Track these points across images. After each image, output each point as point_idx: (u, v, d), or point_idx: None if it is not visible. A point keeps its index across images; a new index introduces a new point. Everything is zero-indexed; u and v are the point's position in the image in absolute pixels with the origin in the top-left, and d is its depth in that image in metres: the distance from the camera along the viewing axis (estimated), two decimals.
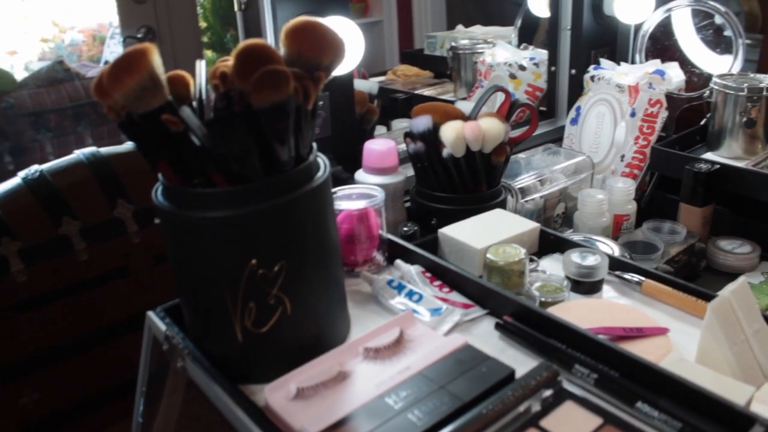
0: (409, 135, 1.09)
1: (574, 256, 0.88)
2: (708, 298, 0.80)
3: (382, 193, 0.84)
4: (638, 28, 1.53)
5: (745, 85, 1.27)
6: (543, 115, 1.57)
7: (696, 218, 1.20)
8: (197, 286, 0.66)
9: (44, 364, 1.19)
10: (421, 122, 1.06)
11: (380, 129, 1.56)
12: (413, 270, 0.81)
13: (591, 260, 0.87)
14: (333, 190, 0.85)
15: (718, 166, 1.20)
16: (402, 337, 0.69)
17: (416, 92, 1.83)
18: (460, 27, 2.06)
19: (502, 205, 1.11)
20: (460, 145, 1.03)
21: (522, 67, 1.56)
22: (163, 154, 0.61)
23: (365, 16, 2.69)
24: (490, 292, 0.75)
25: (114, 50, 2.89)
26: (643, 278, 0.87)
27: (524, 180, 1.22)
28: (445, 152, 1.04)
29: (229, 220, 0.61)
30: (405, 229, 1.04)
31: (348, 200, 0.83)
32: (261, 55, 0.57)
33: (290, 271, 0.64)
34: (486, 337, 0.72)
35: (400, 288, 0.77)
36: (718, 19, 1.47)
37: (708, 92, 1.34)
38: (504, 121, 1.07)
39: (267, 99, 0.56)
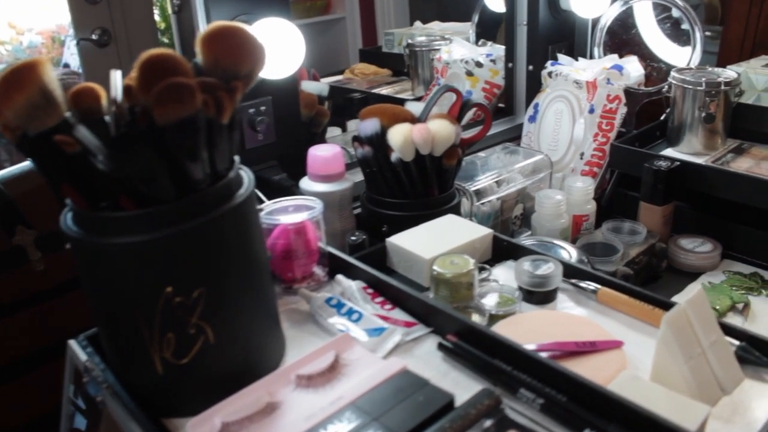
0: (356, 139, 1.05)
1: (527, 264, 0.84)
2: (665, 305, 0.77)
3: (321, 205, 0.79)
4: (596, 22, 1.49)
5: (703, 79, 1.24)
6: (501, 113, 1.53)
7: (656, 217, 1.17)
8: (112, 315, 0.61)
9: None
10: (369, 126, 1.02)
11: (335, 131, 1.51)
12: (354, 286, 0.77)
13: (544, 269, 0.83)
14: (268, 202, 0.80)
15: (678, 163, 1.16)
16: (337, 362, 0.64)
17: (373, 91, 1.78)
18: (418, 23, 2.01)
19: (456, 209, 1.06)
20: (408, 148, 0.98)
21: (479, 64, 1.52)
22: (64, 176, 0.55)
23: (327, 13, 2.63)
24: (433, 310, 0.71)
25: (74, 52, 2.81)
26: (598, 286, 0.83)
27: (480, 182, 1.18)
28: (394, 156, 1.00)
29: (140, 245, 0.56)
30: (353, 238, 1.00)
31: (284, 213, 0.78)
32: (165, 66, 0.52)
33: (211, 297, 0.59)
34: (428, 358, 0.68)
35: (339, 306, 0.73)
36: (675, 12, 1.43)
37: (666, 87, 1.31)
38: (454, 123, 1.03)
39: (171, 114, 0.51)
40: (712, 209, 1.23)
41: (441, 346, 0.68)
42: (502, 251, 0.95)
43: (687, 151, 1.28)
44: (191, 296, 0.58)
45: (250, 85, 0.61)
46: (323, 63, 2.20)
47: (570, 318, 0.77)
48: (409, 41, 1.73)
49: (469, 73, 1.52)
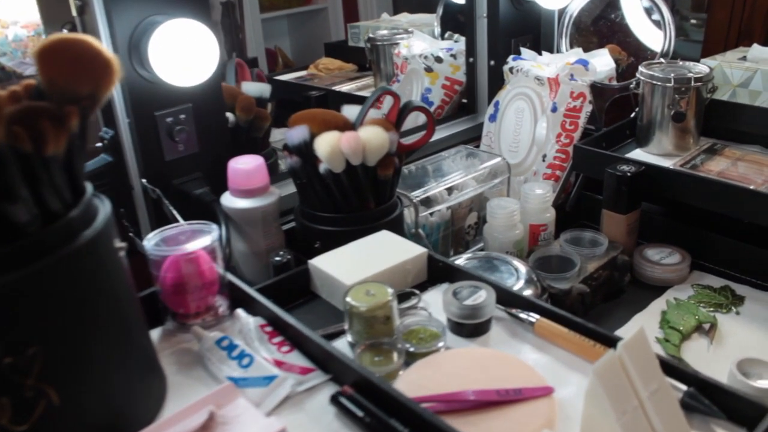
0: (285, 148, 0.96)
1: (456, 293, 0.75)
2: (609, 341, 0.67)
3: (217, 231, 0.70)
4: (562, 13, 1.39)
5: (672, 74, 1.14)
6: (463, 111, 1.44)
7: (620, 226, 1.07)
8: None
9: None
10: (297, 134, 0.93)
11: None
12: (252, 323, 0.68)
13: (475, 298, 0.74)
14: (161, 229, 0.71)
15: (642, 167, 1.07)
16: (212, 420, 0.55)
17: (334, 88, 1.68)
18: (384, 15, 1.91)
19: (398, 221, 0.97)
20: (336, 159, 0.89)
21: (439, 59, 1.42)
22: None
23: (308, 4, 2.52)
24: (330, 356, 0.62)
25: None
26: (537, 317, 0.73)
27: (429, 189, 1.08)
28: (323, 168, 0.91)
29: None
30: (277, 258, 0.91)
31: (175, 242, 0.68)
32: None
33: (51, 354, 0.50)
34: (320, 413, 0.59)
35: (230, 349, 0.64)
36: (646, 2, 1.33)
37: (635, 83, 1.21)
38: (391, 129, 0.93)
39: None
40: (681, 216, 1.14)
41: (334, 400, 0.59)
42: (438, 272, 0.85)
43: (657, 152, 1.19)
44: (25, 355, 0.49)
45: (96, 107, 0.51)
46: (304, 55, 2.10)
47: (499, 357, 0.68)
48: (370, 35, 1.63)
49: (429, 69, 1.43)
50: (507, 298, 0.77)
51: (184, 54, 0.86)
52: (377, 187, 0.95)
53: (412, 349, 0.70)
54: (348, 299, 0.71)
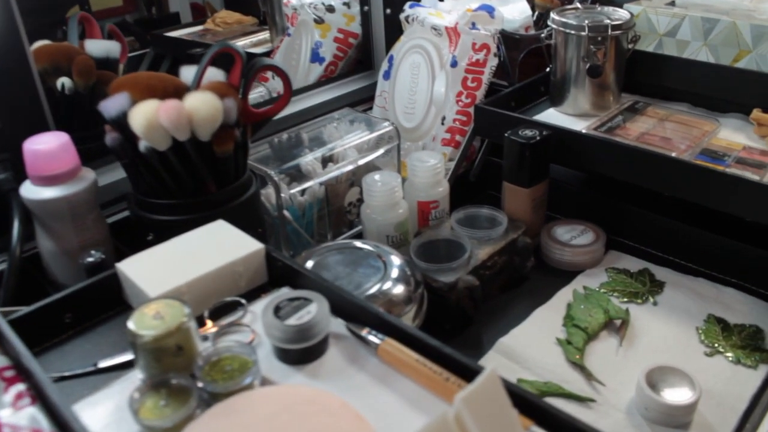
0: (104, 121, 0.77)
1: (278, 309, 0.58)
2: (467, 372, 0.51)
3: None
4: None
5: (587, 22, 0.97)
6: (360, 68, 1.25)
7: (523, 202, 0.91)
8: None
9: None
10: (114, 103, 0.74)
11: None
12: None
13: (300, 315, 0.57)
14: None
15: (549, 132, 0.90)
16: None
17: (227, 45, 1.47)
18: None
19: (252, 204, 0.80)
20: (156, 134, 0.71)
21: (330, 9, 1.23)
22: None
23: None
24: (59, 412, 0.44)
25: None
26: (382, 337, 0.57)
27: (296, 163, 0.91)
28: (143, 145, 0.72)
29: None
30: (89, 259, 0.73)
31: None
32: None
33: None
34: None
35: None
36: None
37: (546, 32, 1.04)
38: (229, 94, 0.75)
39: None
40: (600, 186, 0.98)
41: None
42: (280, 273, 0.68)
43: (572, 111, 1.02)
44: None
45: None
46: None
47: (317, 401, 0.51)
48: None
49: (319, 20, 1.24)
50: (349, 310, 0.60)
51: None
52: (218, 166, 0.77)
53: (212, 389, 0.52)
54: (130, 325, 0.54)
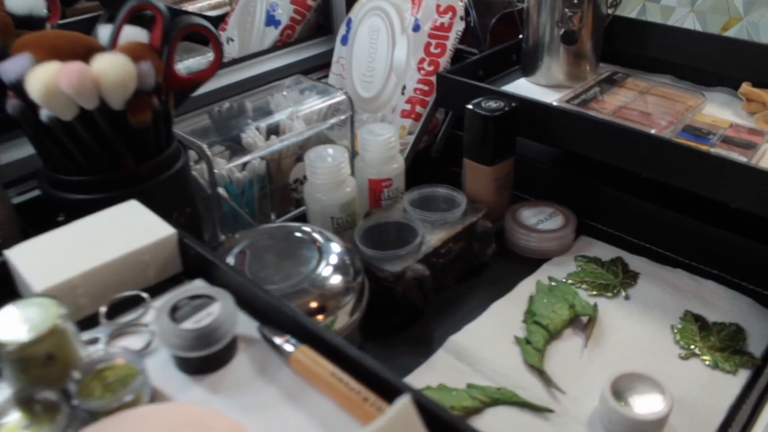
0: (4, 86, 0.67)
1: (175, 310, 0.48)
2: (390, 391, 0.42)
3: None
4: None
5: None
6: (320, 32, 1.15)
7: (485, 181, 0.82)
8: None
9: None
10: (14, 65, 0.65)
11: None
12: None
13: (198, 318, 0.48)
14: None
15: (515, 104, 0.80)
16: None
17: (183, 6, 1.37)
18: None
19: (179, 180, 0.71)
20: (57, 101, 0.62)
21: None
22: None
23: None
24: None
25: None
26: (296, 344, 0.48)
27: (241, 134, 0.81)
28: (45, 114, 0.63)
29: None
30: None
31: None
32: None
33: None
34: None
35: None
36: None
37: None
38: (146, 56, 0.65)
39: None
40: (573, 165, 0.89)
41: None
42: (196, 263, 0.59)
43: (545, 82, 0.93)
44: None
45: None
46: None
47: (207, 422, 0.42)
48: None
49: None
50: (264, 310, 0.51)
51: None
52: (135, 138, 0.67)
53: (85, 407, 0.43)
54: None
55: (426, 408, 0.39)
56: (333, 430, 0.44)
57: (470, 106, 0.80)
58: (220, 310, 0.48)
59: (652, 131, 0.78)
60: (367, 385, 0.44)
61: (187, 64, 1.05)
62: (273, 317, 0.51)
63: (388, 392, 0.43)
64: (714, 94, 0.92)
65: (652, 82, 0.92)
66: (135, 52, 0.65)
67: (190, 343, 0.47)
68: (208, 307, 0.49)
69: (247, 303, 0.54)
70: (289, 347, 0.48)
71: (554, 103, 0.84)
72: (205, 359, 0.48)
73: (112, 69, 0.62)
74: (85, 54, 0.66)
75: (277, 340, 0.49)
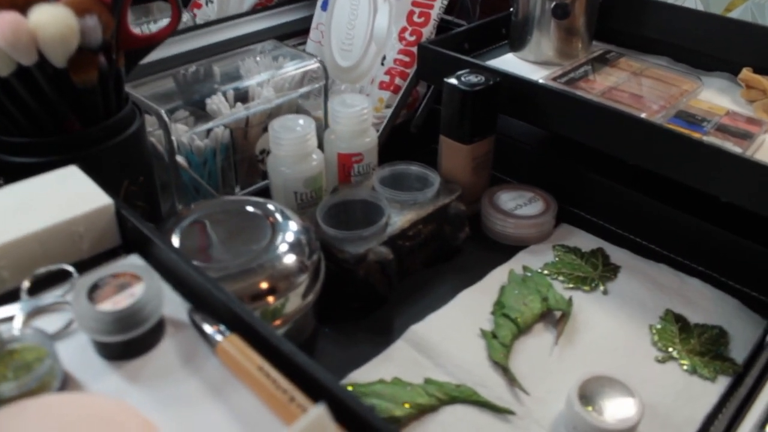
0: None
1: (94, 289, 0.44)
2: (322, 392, 0.38)
3: None
4: None
5: None
6: None
7: (461, 160, 0.77)
8: None
9: None
10: None
11: None
12: None
13: (117, 300, 0.43)
14: None
15: (497, 79, 0.75)
16: None
17: None
18: None
19: (132, 145, 0.66)
20: None
21: None
22: None
23: None
24: None
25: None
26: (225, 333, 0.43)
27: (206, 100, 0.76)
28: None
29: None
30: None
31: None
32: None
33: None
34: None
35: None
36: None
37: None
38: (93, 10, 0.60)
39: None
40: (555, 147, 0.84)
41: None
42: (136, 236, 0.54)
43: (533, 58, 0.88)
44: None
45: None
46: None
47: (114, 418, 0.38)
48: None
49: None
50: (198, 292, 0.46)
51: None
52: (81, 98, 0.62)
53: None
54: None
55: (357, 415, 0.35)
56: (254, 430, 0.39)
57: (448, 80, 0.74)
58: (143, 291, 0.44)
59: (643, 115, 0.72)
60: (298, 384, 0.39)
61: (162, 24, 0.99)
62: (206, 301, 0.46)
63: (320, 393, 0.38)
64: (712, 79, 0.86)
65: (647, 63, 0.87)
66: (80, 5, 0.60)
67: (108, 326, 0.43)
68: (130, 287, 0.44)
69: (181, 284, 0.49)
70: (218, 336, 0.43)
71: (540, 81, 0.79)
72: (124, 344, 0.44)
73: (51, 22, 0.57)
74: (24, 4, 0.61)
75: (207, 328, 0.44)
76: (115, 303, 0.43)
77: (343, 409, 0.36)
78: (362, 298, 0.68)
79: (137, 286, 0.44)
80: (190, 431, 0.39)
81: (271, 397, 0.39)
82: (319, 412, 0.31)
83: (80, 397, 0.41)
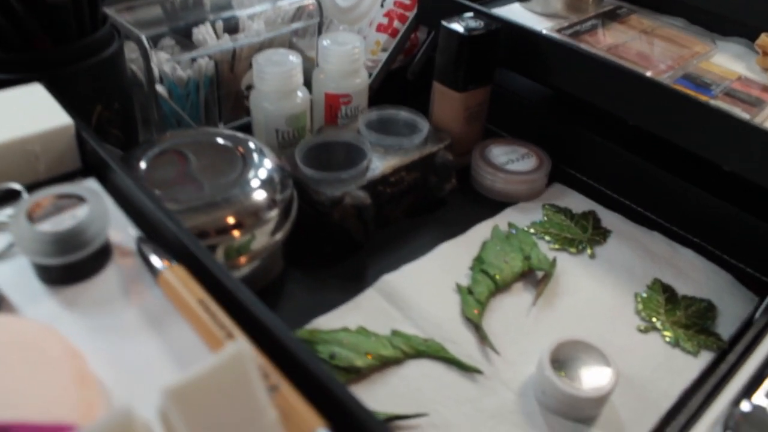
0: None
1: (35, 210, 0.41)
2: (263, 334, 0.35)
3: None
4: None
5: None
6: None
7: (454, 108, 0.73)
8: None
9: None
10: None
11: None
12: None
13: (58, 221, 0.40)
14: None
15: (496, 25, 0.71)
16: None
17: None
18: None
19: (107, 68, 0.62)
20: None
21: None
22: None
23: None
24: None
25: None
26: (168, 263, 0.40)
27: (194, 29, 0.73)
28: None
29: None
30: None
31: None
32: None
33: None
34: None
35: None
36: None
37: None
38: None
39: None
40: (557, 102, 0.80)
41: None
42: (96, 159, 0.51)
43: (540, 10, 0.83)
44: None
45: None
46: None
47: (36, 342, 0.35)
48: None
49: None
50: (151, 220, 0.44)
51: None
52: (51, 15, 0.59)
53: None
54: None
55: (298, 359, 0.32)
56: (185, 365, 0.36)
57: (446, 23, 0.70)
58: (86, 213, 0.41)
59: (648, 74, 0.68)
60: (239, 322, 0.37)
61: None
62: (158, 230, 0.43)
63: (261, 333, 0.36)
64: (728, 44, 0.82)
65: (660, 22, 0.82)
66: None
67: (47, 248, 0.40)
68: (74, 209, 0.41)
69: (136, 212, 0.46)
70: (160, 264, 0.40)
71: (544, 31, 0.75)
72: (64, 268, 0.41)
73: None
74: None
75: (152, 257, 0.41)
76: (55, 224, 0.40)
77: (289, 355, 0.33)
78: (336, 242, 0.65)
79: (81, 208, 0.41)
80: (119, 361, 0.36)
81: (208, 332, 0.37)
82: (231, 353, 0.28)
83: (7, 320, 0.38)
